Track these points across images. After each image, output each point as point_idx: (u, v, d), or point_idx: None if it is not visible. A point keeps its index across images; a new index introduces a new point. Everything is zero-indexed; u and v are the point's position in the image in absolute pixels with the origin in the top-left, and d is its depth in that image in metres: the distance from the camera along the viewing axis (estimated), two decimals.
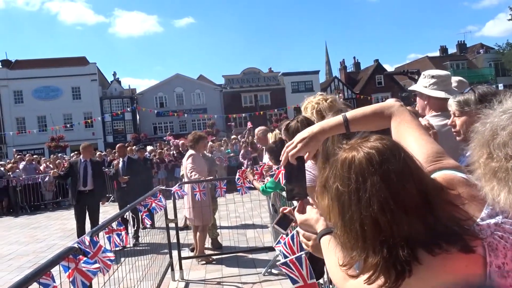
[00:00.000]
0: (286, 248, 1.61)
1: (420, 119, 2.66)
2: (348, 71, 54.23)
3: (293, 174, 1.44)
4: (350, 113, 1.44)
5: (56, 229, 10.38)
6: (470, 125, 2.16)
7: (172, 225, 5.82)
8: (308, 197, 1.45)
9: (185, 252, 6.48)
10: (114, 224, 3.42)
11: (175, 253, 5.72)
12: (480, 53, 50.41)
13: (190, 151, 6.44)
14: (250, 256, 6.30)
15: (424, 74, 2.86)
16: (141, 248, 6.83)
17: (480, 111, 2.07)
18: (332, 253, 1.25)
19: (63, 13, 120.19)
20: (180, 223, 6.70)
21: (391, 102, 1.44)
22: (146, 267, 4.97)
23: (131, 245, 6.95)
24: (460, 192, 1.07)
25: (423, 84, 2.83)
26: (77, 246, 2.36)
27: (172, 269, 5.62)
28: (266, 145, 6.58)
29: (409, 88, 2.97)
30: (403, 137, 1.31)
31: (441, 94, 2.73)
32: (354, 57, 59.23)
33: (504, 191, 0.88)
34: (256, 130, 6.70)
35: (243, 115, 42.36)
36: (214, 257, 6.37)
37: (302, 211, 1.42)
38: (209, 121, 40.87)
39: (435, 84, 2.78)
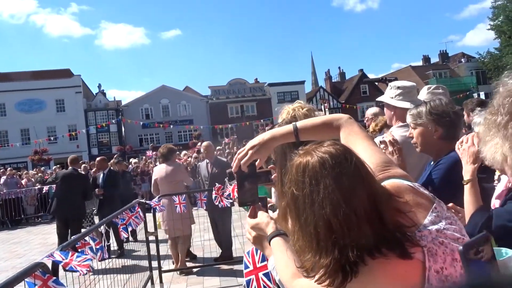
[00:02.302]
0: (249, 257, 1.64)
1: (385, 134, 2.71)
2: (333, 81, 54.73)
3: (245, 180, 1.45)
4: (301, 123, 1.48)
5: (37, 243, 10.20)
6: (424, 136, 2.23)
7: (152, 238, 5.77)
8: (259, 203, 1.48)
9: (166, 265, 6.42)
10: (87, 238, 3.39)
11: (155, 266, 5.66)
12: (462, 62, 51.36)
13: (165, 165, 6.36)
14: (231, 267, 6.27)
15: (390, 85, 2.91)
16: (120, 261, 6.75)
17: (432, 124, 2.15)
18: (282, 253, 1.28)
19: (49, 25, 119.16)
20: (163, 236, 6.63)
21: (340, 115, 1.48)
22: (126, 281, 4.91)
23: (114, 257, 6.86)
24: (407, 199, 1.11)
25: (390, 95, 2.88)
26: (44, 262, 2.33)
27: (152, 283, 5.56)
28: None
29: (377, 99, 3.02)
30: (352, 147, 1.34)
31: (406, 104, 2.77)
32: (339, 67, 59.94)
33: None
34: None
35: (230, 125, 42.38)
36: (195, 269, 6.33)
37: (254, 215, 1.44)
38: (195, 132, 40.70)
39: (400, 94, 2.83)
